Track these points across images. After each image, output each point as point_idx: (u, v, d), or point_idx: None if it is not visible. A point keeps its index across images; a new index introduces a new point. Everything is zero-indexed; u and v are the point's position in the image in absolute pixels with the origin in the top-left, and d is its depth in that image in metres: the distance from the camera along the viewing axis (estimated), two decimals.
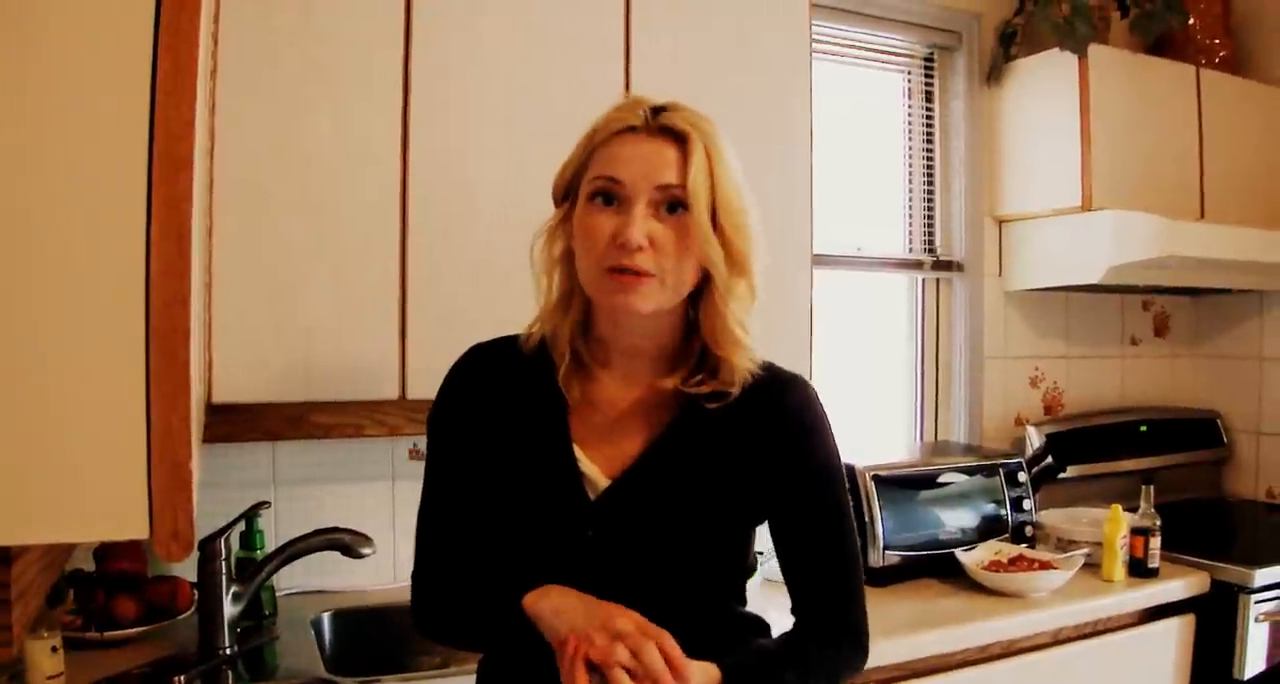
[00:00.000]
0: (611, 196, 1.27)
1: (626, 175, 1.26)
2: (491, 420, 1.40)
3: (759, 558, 1.57)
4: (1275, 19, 3.57)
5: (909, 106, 3.36)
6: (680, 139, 1.27)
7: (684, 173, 1.25)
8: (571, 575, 1.31)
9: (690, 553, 1.35)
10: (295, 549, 2.01)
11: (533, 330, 1.40)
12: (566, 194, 1.35)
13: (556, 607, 1.27)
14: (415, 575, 1.44)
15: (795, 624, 1.40)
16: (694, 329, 1.35)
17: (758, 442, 1.37)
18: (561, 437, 1.37)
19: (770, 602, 1.58)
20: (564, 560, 1.33)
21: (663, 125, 1.28)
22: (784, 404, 1.39)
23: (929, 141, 3.37)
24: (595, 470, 1.35)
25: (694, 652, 1.24)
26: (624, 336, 1.36)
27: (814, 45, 2.50)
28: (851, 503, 1.42)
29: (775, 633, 1.45)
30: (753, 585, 1.52)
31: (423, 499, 1.44)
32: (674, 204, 1.26)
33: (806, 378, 1.43)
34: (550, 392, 1.37)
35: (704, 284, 1.31)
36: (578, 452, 1.36)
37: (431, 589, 1.42)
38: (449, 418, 1.43)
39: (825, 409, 1.43)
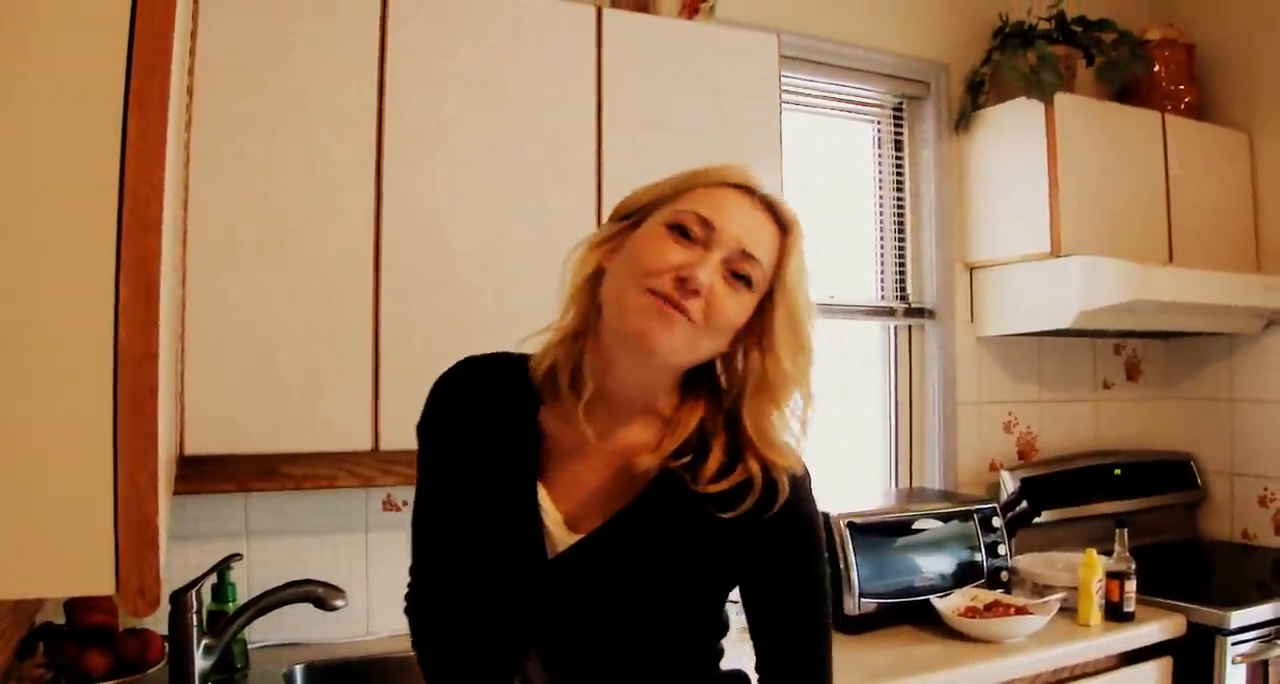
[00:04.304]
0: (691, 234, 1.21)
1: (722, 223, 1.21)
2: (467, 444, 1.35)
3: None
4: (1239, 64, 3.64)
5: (879, 155, 3.40)
6: (783, 225, 1.25)
7: (779, 256, 1.24)
8: (524, 628, 1.30)
9: (648, 622, 1.30)
10: (267, 602, 1.99)
11: (537, 358, 1.33)
12: (632, 214, 1.29)
13: None
14: (410, 570, 1.47)
15: None
16: (689, 396, 1.31)
17: (740, 527, 1.27)
18: (529, 480, 1.31)
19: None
20: (518, 611, 1.31)
21: (772, 204, 1.26)
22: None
23: (899, 190, 3.40)
24: (559, 523, 1.30)
25: None
26: (615, 381, 1.29)
27: (784, 96, 2.54)
28: (830, 573, 1.37)
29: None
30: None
31: (414, 501, 1.44)
32: (742, 276, 1.22)
33: (805, 466, 1.34)
34: (528, 426, 1.33)
35: (751, 374, 1.27)
36: (543, 501, 1.30)
37: (419, 598, 1.46)
38: (433, 429, 1.40)
39: (814, 495, 1.35)
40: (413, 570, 1.47)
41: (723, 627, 1.41)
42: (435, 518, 1.40)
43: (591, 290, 1.29)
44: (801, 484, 1.32)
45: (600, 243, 1.29)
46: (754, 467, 1.27)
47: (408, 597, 1.48)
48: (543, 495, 1.31)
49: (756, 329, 1.26)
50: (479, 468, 1.34)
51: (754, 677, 1.38)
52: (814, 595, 1.35)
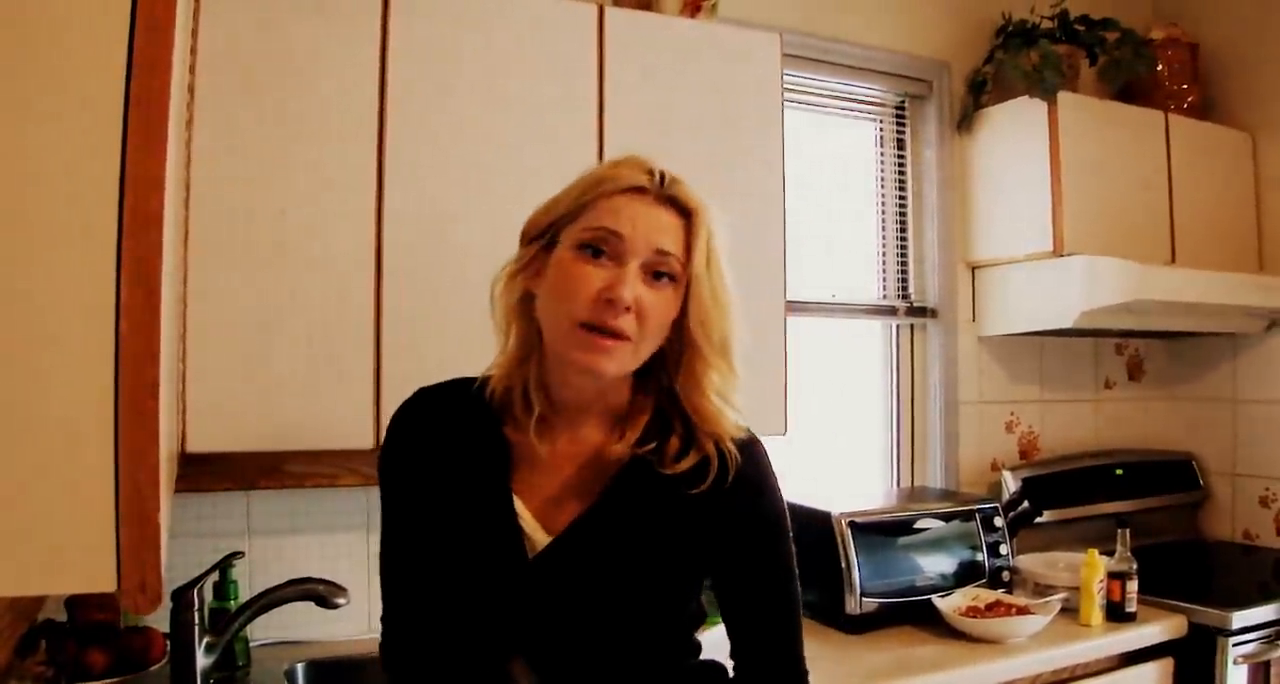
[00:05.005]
0: (603, 250, 1.24)
1: (629, 231, 1.24)
2: (435, 468, 1.37)
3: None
4: (1242, 64, 3.64)
5: (881, 154, 3.40)
6: (686, 213, 1.27)
7: (686, 245, 1.26)
8: (508, 630, 1.31)
9: (631, 612, 1.33)
10: (269, 599, 1.99)
11: (494, 382, 1.36)
12: (541, 235, 1.32)
13: None
14: (383, 619, 1.45)
15: (737, 672, 1.40)
16: (640, 388, 1.36)
17: (705, 501, 1.33)
18: (503, 490, 1.34)
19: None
20: (501, 616, 1.32)
21: (671, 195, 1.27)
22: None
23: (901, 188, 3.40)
24: (535, 526, 1.33)
25: None
26: (571, 392, 1.34)
27: (786, 94, 2.53)
28: (795, 551, 1.41)
29: None
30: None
31: (381, 543, 1.43)
32: (662, 273, 1.26)
33: (753, 433, 1.40)
34: (495, 442, 1.36)
35: (680, 359, 1.31)
36: (518, 507, 1.33)
37: (396, 642, 1.43)
38: (395, 462, 1.41)
39: (771, 463, 1.41)
40: (387, 617, 1.44)
41: (701, 616, 1.45)
42: (412, 549, 1.39)
43: (525, 313, 1.33)
44: (754, 450, 1.38)
45: (520, 269, 1.33)
46: (708, 444, 1.32)
47: (384, 646, 1.44)
48: (520, 508, 1.33)
49: (680, 317, 1.29)
50: (453, 484, 1.36)
51: (729, 664, 1.42)
52: (781, 566, 1.40)
